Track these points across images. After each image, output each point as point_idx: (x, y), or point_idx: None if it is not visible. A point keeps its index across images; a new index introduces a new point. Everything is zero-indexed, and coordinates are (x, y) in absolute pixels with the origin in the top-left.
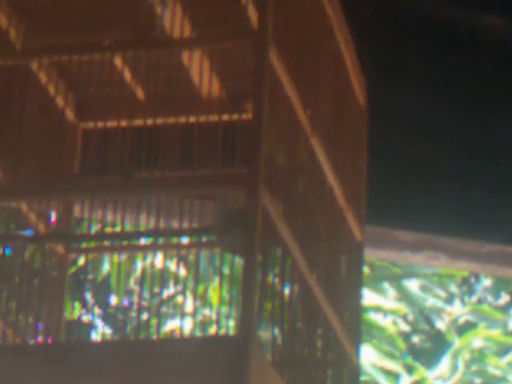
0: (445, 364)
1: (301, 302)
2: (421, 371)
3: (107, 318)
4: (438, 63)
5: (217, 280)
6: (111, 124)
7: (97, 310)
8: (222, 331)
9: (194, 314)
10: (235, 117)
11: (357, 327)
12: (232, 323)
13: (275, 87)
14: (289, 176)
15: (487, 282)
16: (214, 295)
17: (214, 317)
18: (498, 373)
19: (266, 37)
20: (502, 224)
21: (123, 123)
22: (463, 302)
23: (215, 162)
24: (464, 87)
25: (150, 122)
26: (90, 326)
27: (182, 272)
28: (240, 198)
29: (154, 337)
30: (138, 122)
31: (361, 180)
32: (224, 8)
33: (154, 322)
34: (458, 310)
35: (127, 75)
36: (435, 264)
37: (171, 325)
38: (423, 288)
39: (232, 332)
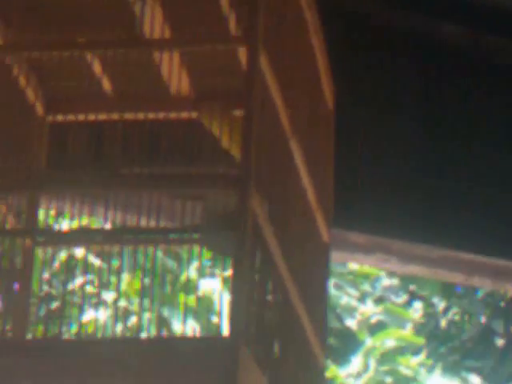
0: (356, 362)
1: (279, 304)
2: (332, 369)
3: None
4: (405, 75)
5: (134, 273)
6: (80, 118)
7: None
8: (142, 323)
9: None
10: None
11: (323, 328)
12: (150, 315)
13: (262, 89)
14: (271, 178)
15: (387, 281)
16: (129, 287)
17: (131, 308)
18: (408, 372)
19: (257, 40)
20: (452, 229)
21: (92, 118)
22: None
23: (200, 160)
24: (427, 99)
25: (127, 117)
26: None
27: (97, 263)
28: (228, 198)
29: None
30: (108, 117)
31: (328, 182)
32: (202, 8)
33: (69, 312)
34: (370, 309)
35: (97, 70)
36: (386, 267)
37: (87, 316)
38: (337, 286)
39: (152, 326)
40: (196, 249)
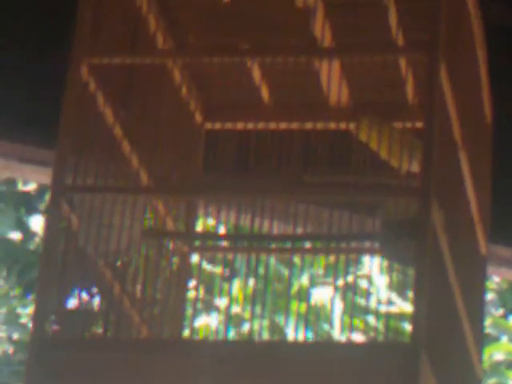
0: None
1: (447, 311)
2: None
3: None
4: None
5: (249, 280)
6: (238, 127)
7: None
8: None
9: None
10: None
11: (481, 340)
12: (264, 322)
13: (441, 100)
14: (445, 188)
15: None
16: (240, 293)
17: (242, 315)
18: None
19: (439, 52)
20: None
21: (249, 126)
22: None
23: (375, 170)
24: None
25: (285, 126)
26: None
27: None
28: (402, 207)
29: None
30: (266, 126)
31: (486, 195)
32: (367, 17)
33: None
34: None
35: (257, 78)
36: None
37: (199, 321)
38: None
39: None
40: (308, 257)
